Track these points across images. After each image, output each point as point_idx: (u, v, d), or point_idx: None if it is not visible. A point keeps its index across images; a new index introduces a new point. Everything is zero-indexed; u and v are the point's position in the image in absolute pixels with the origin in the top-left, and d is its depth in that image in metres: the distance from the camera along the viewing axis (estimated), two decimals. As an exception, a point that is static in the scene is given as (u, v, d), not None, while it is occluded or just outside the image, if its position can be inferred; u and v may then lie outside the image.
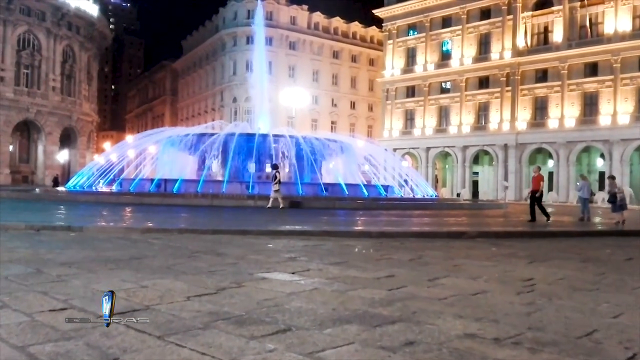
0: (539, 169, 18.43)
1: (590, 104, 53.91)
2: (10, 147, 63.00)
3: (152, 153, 31.04)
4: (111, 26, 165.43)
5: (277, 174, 20.63)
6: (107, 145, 78.35)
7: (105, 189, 29.31)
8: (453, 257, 8.40)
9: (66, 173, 64.23)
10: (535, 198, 16.93)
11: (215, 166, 27.76)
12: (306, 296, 5.22)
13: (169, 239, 9.72)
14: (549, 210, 18.18)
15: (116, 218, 14.49)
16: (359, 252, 8.89)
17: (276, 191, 20.43)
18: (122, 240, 9.52)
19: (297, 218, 16.73)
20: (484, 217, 20.32)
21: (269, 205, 20.11)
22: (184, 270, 6.52)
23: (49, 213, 15.61)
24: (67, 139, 67.85)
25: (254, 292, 5.35)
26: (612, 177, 17.99)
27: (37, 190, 29.96)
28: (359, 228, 12.23)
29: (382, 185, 29.15)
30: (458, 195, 56.32)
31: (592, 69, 53.52)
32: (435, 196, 34.40)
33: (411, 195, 31.20)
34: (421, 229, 12.61)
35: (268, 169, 25.70)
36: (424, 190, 32.02)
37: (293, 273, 6.58)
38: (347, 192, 25.44)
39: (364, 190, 26.67)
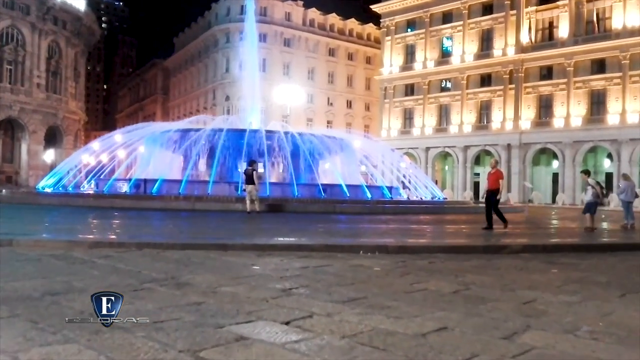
0: (497, 163, 14.90)
1: (597, 103, 51.66)
2: (-7, 147, 60.28)
3: (134, 151, 28.37)
4: (104, 25, 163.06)
5: (247, 170, 17.77)
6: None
7: (88, 190, 26.82)
8: (513, 287, 5.99)
9: (52, 174, 61.50)
10: (492, 200, 13.70)
11: (201, 165, 25.20)
12: (312, 388, 2.81)
13: (121, 258, 7.26)
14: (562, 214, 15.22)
15: (67, 226, 11.94)
16: (378, 277, 6.46)
17: (243, 190, 17.75)
18: (57, 259, 7.06)
19: (291, 226, 14.24)
20: (509, 224, 17.88)
21: (249, 209, 17.37)
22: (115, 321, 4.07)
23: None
24: (52, 138, 65.07)
25: (217, 379, 2.93)
26: (586, 172, 15.47)
27: (3, 191, 27.38)
28: (371, 240, 9.78)
29: (386, 187, 26.64)
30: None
31: (600, 66, 51.25)
32: (444, 198, 31.94)
33: (417, 198, 28.66)
34: (450, 241, 10.17)
35: (260, 168, 23.06)
36: (432, 192, 29.48)
37: (287, 323, 4.15)
38: (348, 194, 22.97)
39: (367, 192, 24.19)
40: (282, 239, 9.65)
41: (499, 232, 13.17)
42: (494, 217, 13.63)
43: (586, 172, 15.36)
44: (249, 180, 17.28)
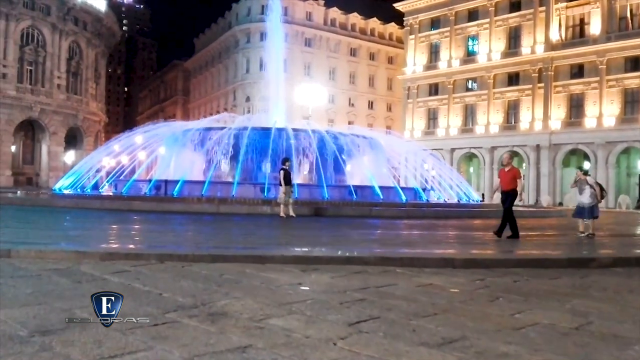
0: (511, 158, 12.44)
1: (631, 102, 49.51)
2: (13, 148, 59.82)
3: (155, 151, 27.19)
4: (124, 28, 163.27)
5: (281, 171, 16.34)
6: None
7: (106, 191, 25.75)
8: (645, 319, 4.58)
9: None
10: (507, 203, 11.45)
11: (224, 165, 23.92)
12: None
13: (139, 274, 5.98)
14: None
15: (78, 233, 10.68)
16: (462, 303, 5.06)
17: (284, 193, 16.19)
18: (61, 275, 5.80)
19: (329, 232, 12.86)
20: (566, 230, 16.36)
21: (286, 213, 16.10)
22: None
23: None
24: (73, 139, 64.62)
25: None
26: (583, 172, 13.71)
27: (17, 193, 26.39)
28: (430, 251, 8.32)
29: (421, 188, 25.08)
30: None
31: (634, 64, 49.05)
32: (480, 201, 30.25)
33: (449, 200, 26.97)
34: (526, 253, 8.63)
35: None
36: (468, 194, 27.79)
37: (378, 387, 2.82)
38: (381, 197, 21.52)
39: (402, 194, 22.68)
40: (326, 249, 8.29)
41: (524, 240, 11.24)
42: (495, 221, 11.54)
43: (584, 172, 13.72)
44: (285, 180, 15.88)
